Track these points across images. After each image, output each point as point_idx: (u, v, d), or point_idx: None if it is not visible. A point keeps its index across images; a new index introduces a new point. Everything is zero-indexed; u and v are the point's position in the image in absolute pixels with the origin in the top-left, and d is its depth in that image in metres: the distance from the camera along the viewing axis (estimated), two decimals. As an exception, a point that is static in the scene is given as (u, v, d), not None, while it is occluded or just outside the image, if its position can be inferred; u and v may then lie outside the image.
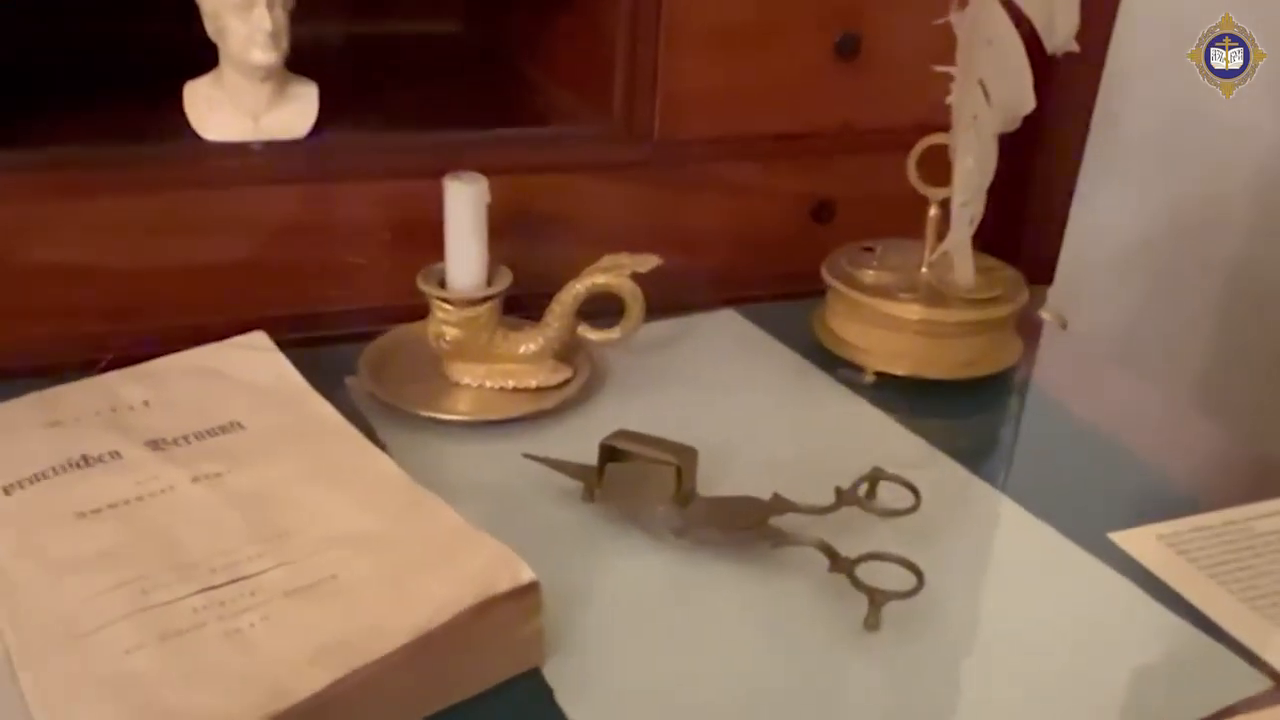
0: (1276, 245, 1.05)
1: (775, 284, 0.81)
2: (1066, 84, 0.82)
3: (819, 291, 0.75)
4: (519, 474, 0.58)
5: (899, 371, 0.70)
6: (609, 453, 0.55)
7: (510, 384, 0.66)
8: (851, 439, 0.66)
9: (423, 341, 0.67)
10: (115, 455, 0.52)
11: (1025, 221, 0.89)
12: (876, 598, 0.49)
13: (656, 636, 0.49)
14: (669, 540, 0.54)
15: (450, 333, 0.65)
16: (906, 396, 0.69)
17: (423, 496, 0.50)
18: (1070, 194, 0.91)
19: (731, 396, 0.69)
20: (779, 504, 0.54)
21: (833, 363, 0.72)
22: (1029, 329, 0.76)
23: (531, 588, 0.44)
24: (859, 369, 0.71)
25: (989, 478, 0.61)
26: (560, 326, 0.66)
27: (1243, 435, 0.74)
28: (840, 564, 0.51)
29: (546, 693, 0.45)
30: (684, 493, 0.54)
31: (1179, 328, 1.10)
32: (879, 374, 0.70)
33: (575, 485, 0.57)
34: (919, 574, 0.49)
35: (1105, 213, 0.97)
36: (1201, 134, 1.00)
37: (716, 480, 0.56)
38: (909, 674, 0.48)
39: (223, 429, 0.55)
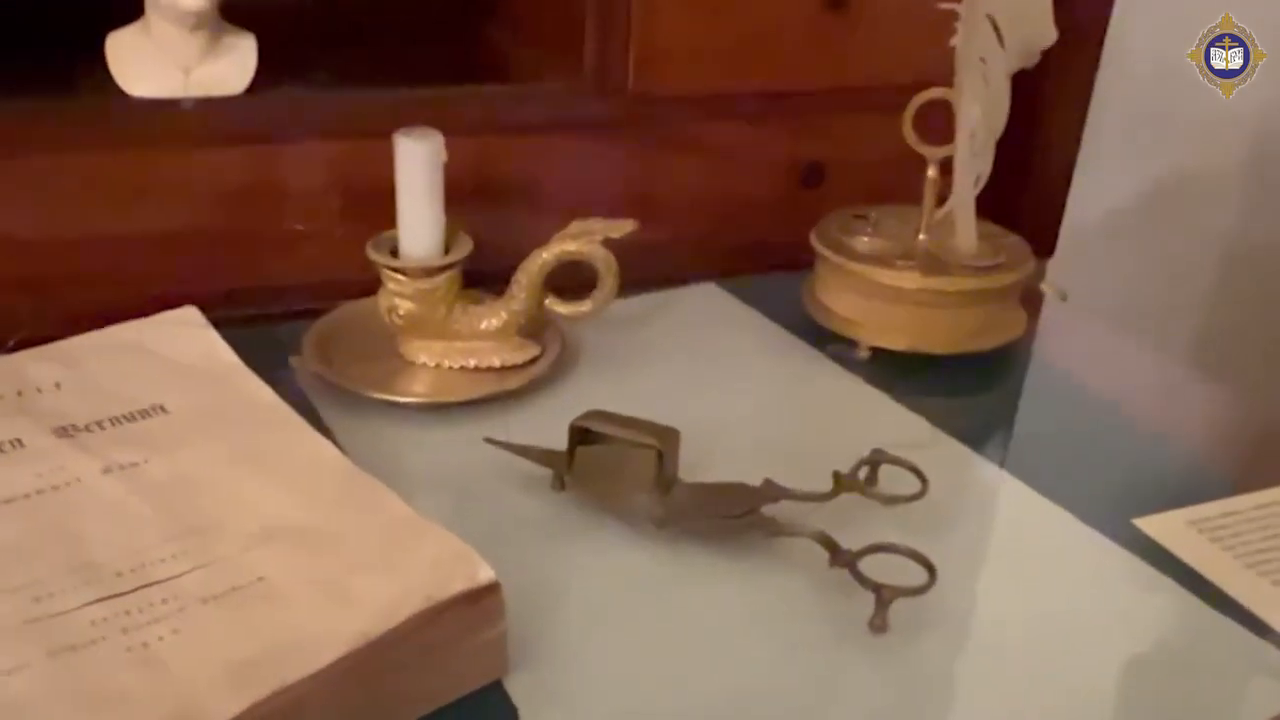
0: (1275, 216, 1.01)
1: (760, 255, 0.75)
2: (1068, 46, 0.77)
3: (808, 263, 0.70)
4: (480, 461, 0.52)
5: (896, 346, 0.64)
6: (580, 435, 0.49)
7: (471, 363, 0.60)
8: (847, 420, 0.60)
9: (375, 318, 0.61)
10: (17, 444, 0.46)
11: (1025, 191, 0.83)
12: (884, 595, 0.43)
13: (636, 641, 0.43)
14: (649, 532, 0.48)
15: (404, 306, 0.59)
16: (904, 373, 0.63)
17: (367, 485, 0.44)
18: (1071, 165, 0.86)
19: (715, 376, 0.63)
20: (771, 490, 0.49)
21: (824, 338, 0.66)
22: (1030, 302, 0.71)
23: (491, 589, 0.38)
24: (852, 344, 0.65)
25: (998, 460, 0.56)
26: (526, 299, 0.60)
27: (1241, 409, 0.69)
28: (841, 557, 0.45)
29: (510, 711, 0.39)
30: (665, 479, 0.48)
31: (1176, 299, 1.06)
32: (874, 349, 0.64)
33: (543, 473, 0.51)
34: (930, 568, 0.44)
35: (1106, 183, 0.92)
36: (1200, 101, 0.95)
37: (701, 466, 0.50)
38: (919, 680, 0.42)
39: (142, 413, 0.49)
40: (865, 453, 0.51)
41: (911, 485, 0.50)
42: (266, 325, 0.64)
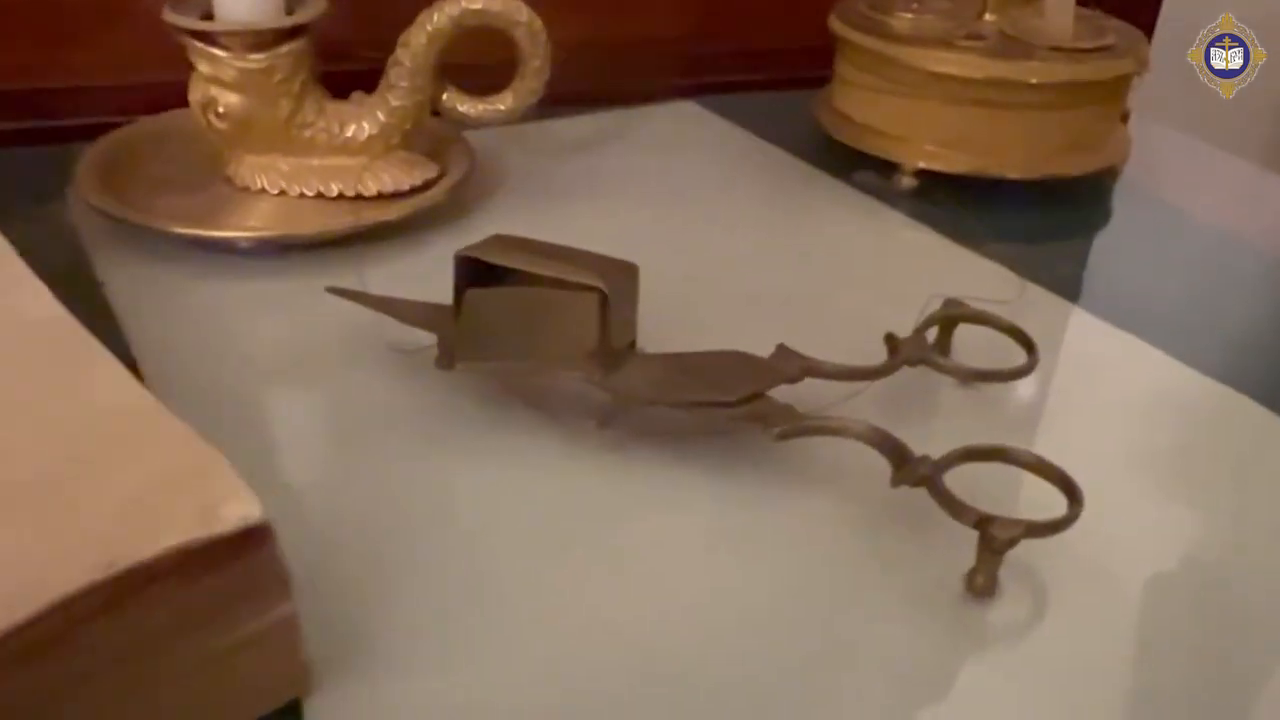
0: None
1: (752, 65, 0.57)
2: None
3: (817, 79, 0.51)
4: (330, 326, 0.34)
5: (952, 169, 0.45)
6: (473, 272, 0.30)
7: (333, 189, 0.40)
8: (890, 268, 0.41)
9: (197, 135, 0.41)
10: None
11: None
12: (995, 535, 0.25)
13: (563, 620, 0.25)
14: (586, 433, 0.29)
15: (226, 100, 0.39)
16: (963, 207, 0.45)
17: (81, 357, 0.25)
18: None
19: (698, 213, 0.44)
20: (789, 362, 0.30)
21: (850, 163, 0.47)
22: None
23: (253, 539, 0.19)
24: (891, 169, 0.46)
25: (1120, 324, 0.37)
26: (411, 89, 0.40)
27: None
28: (915, 469, 0.26)
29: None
30: (613, 344, 0.29)
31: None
32: (921, 174, 0.45)
33: (424, 340, 0.32)
34: (1072, 490, 0.25)
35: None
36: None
37: (675, 329, 0.31)
38: (1056, 675, 0.24)
39: None
40: (931, 307, 0.33)
41: (1003, 357, 0.31)
42: (46, 146, 0.45)
